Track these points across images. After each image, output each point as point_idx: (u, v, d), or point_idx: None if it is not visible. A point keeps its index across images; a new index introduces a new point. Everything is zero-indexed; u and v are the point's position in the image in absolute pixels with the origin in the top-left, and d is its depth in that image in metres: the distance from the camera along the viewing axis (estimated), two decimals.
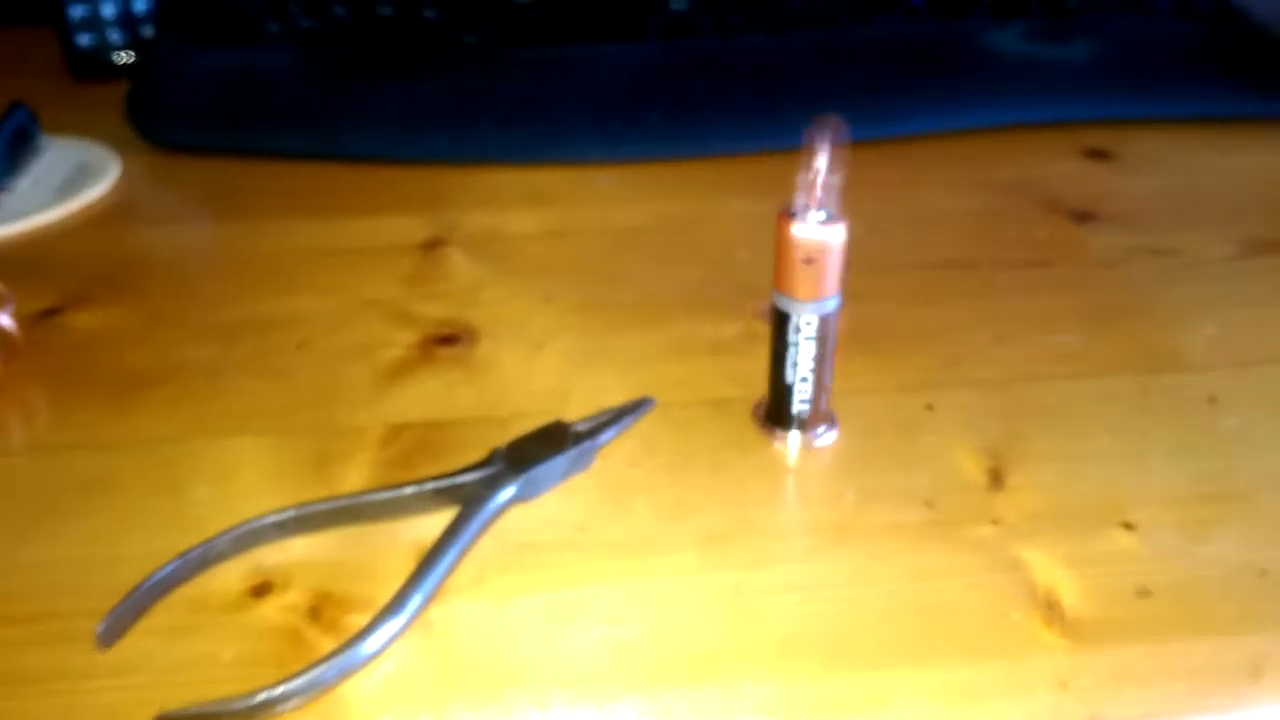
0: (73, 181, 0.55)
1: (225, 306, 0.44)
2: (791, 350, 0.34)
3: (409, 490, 0.33)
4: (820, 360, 0.34)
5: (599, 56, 0.62)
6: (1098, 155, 0.57)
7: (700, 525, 0.32)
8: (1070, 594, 0.30)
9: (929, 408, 0.37)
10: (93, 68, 0.67)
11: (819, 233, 0.32)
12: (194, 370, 0.40)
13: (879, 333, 0.42)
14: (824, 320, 0.33)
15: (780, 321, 0.34)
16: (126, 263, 0.48)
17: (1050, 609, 0.29)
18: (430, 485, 0.33)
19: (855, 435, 0.36)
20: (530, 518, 0.33)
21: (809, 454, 0.35)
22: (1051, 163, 0.56)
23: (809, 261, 0.32)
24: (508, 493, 0.32)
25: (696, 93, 0.59)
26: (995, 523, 0.32)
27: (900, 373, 0.39)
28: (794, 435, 0.35)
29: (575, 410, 0.37)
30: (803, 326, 0.33)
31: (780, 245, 0.32)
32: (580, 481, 0.34)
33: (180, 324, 0.43)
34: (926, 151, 0.58)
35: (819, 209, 0.32)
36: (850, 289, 0.42)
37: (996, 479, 0.34)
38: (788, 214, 0.32)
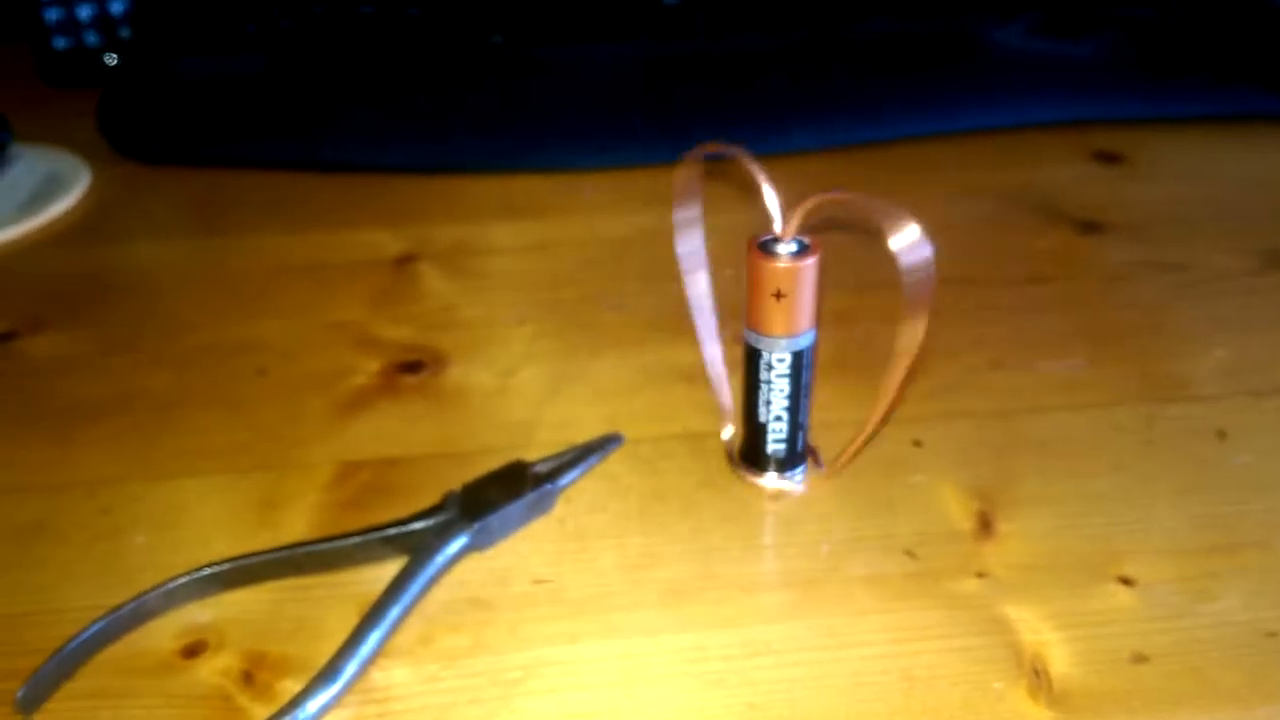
0: (41, 194, 0.53)
1: (186, 331, 0.43)
2: (763, 389, 0.32)
3: (354, 540, 0.31)
4: (795, 398, 0.32)
5: (585, 57, 0.60)
6: (1107, 158, 0.54)
7: (666, 578, 0.30)
8: (1059, 659, 0.28)
9: (917, 444, 0.35)
10: (68, 74, 0.65)
11: (790, 264, 0.29)
12: (147, 402, 0.38)
13: (865, 358, 0.39)
14: (797, 356, 0.31)
15: (751, 358, 0.31)
16: (88, 283, 0.46)
17: (1036, 676, 0.27)
18: (377, 534, 0.31)
19: (838, 475, 0.34)
20: (484, 569, 0.31)
21: (785, 497, 0.33)
22: (1057, 167, 0.53)
23: (779, 295, 0.30)
24: (459, 543, 0.30)
25: (683, 95, 0.57)
26: (981, 575, 0.30)
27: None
28: (769, 477, 0.33)
29: (541, 445, 0.35)
30: (775, 364, 0.31)
31: (749, 278, 0.30)
32: (540, 527, 0.32)
33: (138, 350, 0.42)
34: (922, 156, 0.55)
35: (790, 239, 0.30)
36: (834, 309, 0.39)
37: (985, 525, 0.32)
38: (757, 244, 0.30)
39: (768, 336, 0.31)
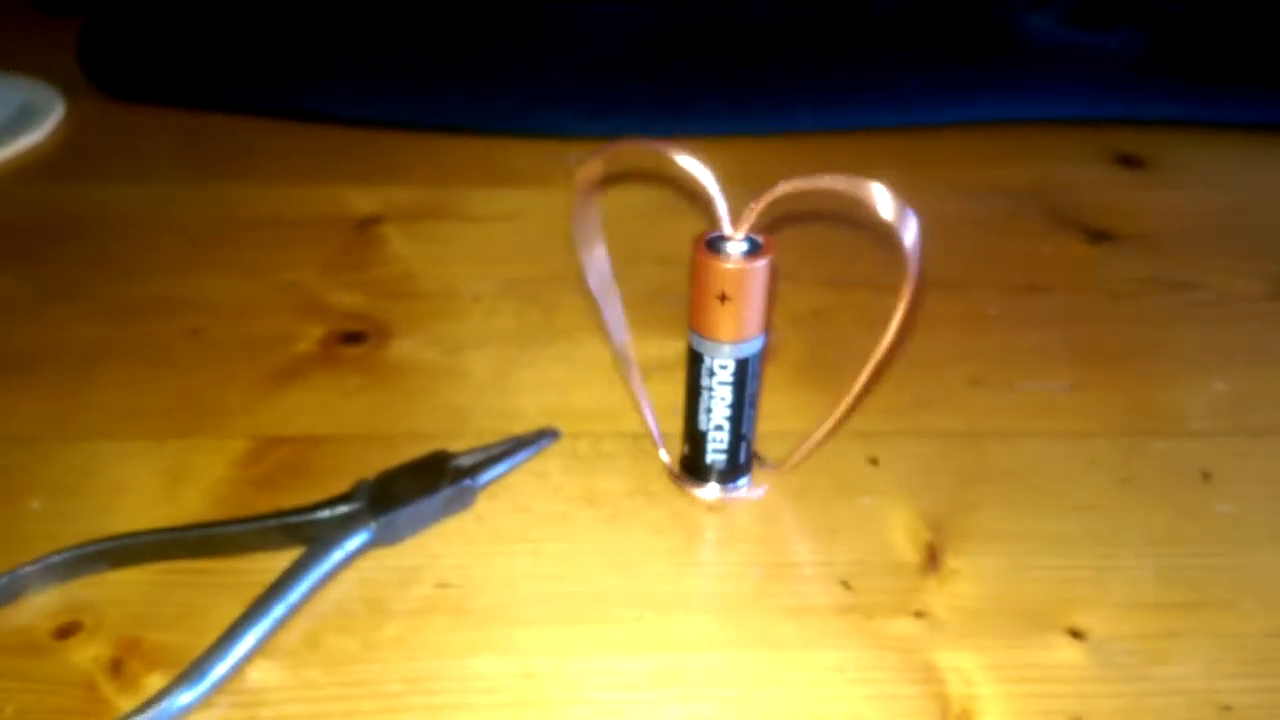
0: (10, 126, 0.52)
1: (130, 281, 0.41)
2: (704, 395, 0.29)
3: (250, 525, 0.29)
4: (737, 408, 0.29)
5: (588, 16, 0.57)
6: (1127, 162, 0.50)
7: (579, 592, 0.28)
8: (989, 715, 0.25)
9: (873, 461, 0.33)
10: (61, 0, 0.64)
11: (736, 264, 0.27)
12: (73, 355, 0.37)
13: (832, 362, 0.37)
14: (742, 365, 0.28)
15: (694, 362, 0.29)
16: (41, 223, 0.45)
17: None
18: (275, 521, 0.29)
19: (781, 490, 0.32)
20: (387, 567, 0.29)
21: (722, 511, 0.31)
22: (1073, 167, 0.50)
23: (723, 298, 0.27)
24: (359, 538, 0.28)
25: (686, 65, 0.54)
26: (919, 615, 0.28)
27: (850, 415, 0.34)
28: (708, 488, 0.31)
29: (475, 434, 0.33)
30: (717, 370, 0.29)
31: (694, 276, 0.28)
32: (455, 525, 0.30)
33: (77, 298, 0.40)
34: (931, 145, 0.52)
35: (742, 236, 0.27)
36: (811, 305, 0.37)
37: (932, 558, 0.29)
38: (704, 240, 0.28)
39: (710, 340, 0.28)
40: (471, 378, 0.36)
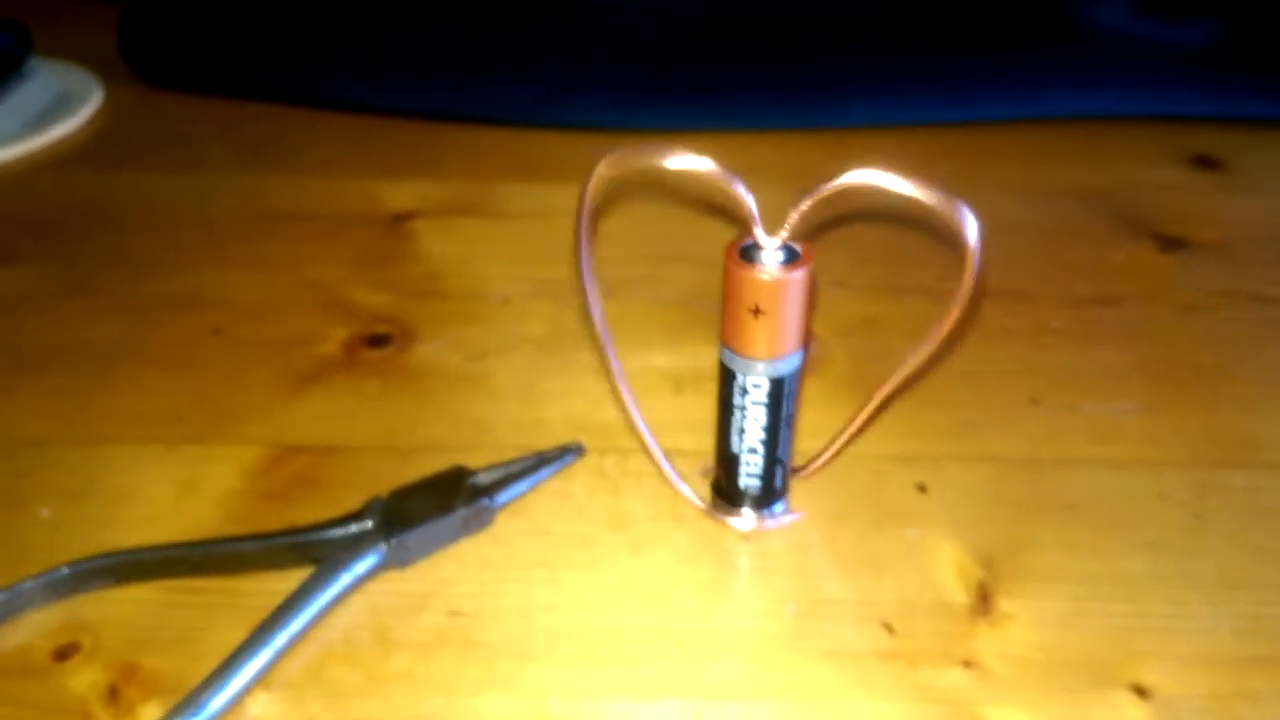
0: (49, 112, 0.51)
1: (153, 275, 0.40)
2: (737, 415, 0.27)
3: (258, 544, 0.27)
4: (772, 430, 0.27)
5: (633, 5, 0.55)
6: (1203, 163, 0.47)
7: (600, 626, 0.26)
8: None
9: (921, 489, 0.30)
10: None
11: (771, 276, 0.25)
12: (92, 353, 0.36)
13: (881, 377, 0.34)
14: (777, 384, 0.26)
15: (725, 380, 0.27)
16: (71, 213, 0.44)
17: None
18: (284, 540, 0.27)
19: (821, 518, 0.29)
20: (398, 591, 0.27)
21: (756, 540, 0.29)
22: (1145, 168, 0.47)
23: (757, 311, 0.25)
24: (369, 561, 0.27)
25: (735, 55, 0.51)
26: (968, 665, 0.25)
27: (898, 435, 0.32)
28: (743, 516, 0.29)
29: (496, 448, 0.31)
30: (750, 389, 0.26)
31: (725, 287, 0.26)
32: (471, 547, 0.28)
33: (98, 292, 0.39)
34: (993, 143, 0.49)
35: (779, 245, 0.25)
36: (861, 314, 0.35)
37: (984, 599, 0.27)
38: (737, 248, 0.25)
39: (743, 357, 0.26)
40: (496, 386, 0.34)
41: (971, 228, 0.23)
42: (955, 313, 0.25)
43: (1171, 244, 0.42)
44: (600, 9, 0.54)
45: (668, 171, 0.24)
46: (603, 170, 0.25)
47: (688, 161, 0.24)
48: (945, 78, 0.51)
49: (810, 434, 0.31)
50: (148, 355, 0.36)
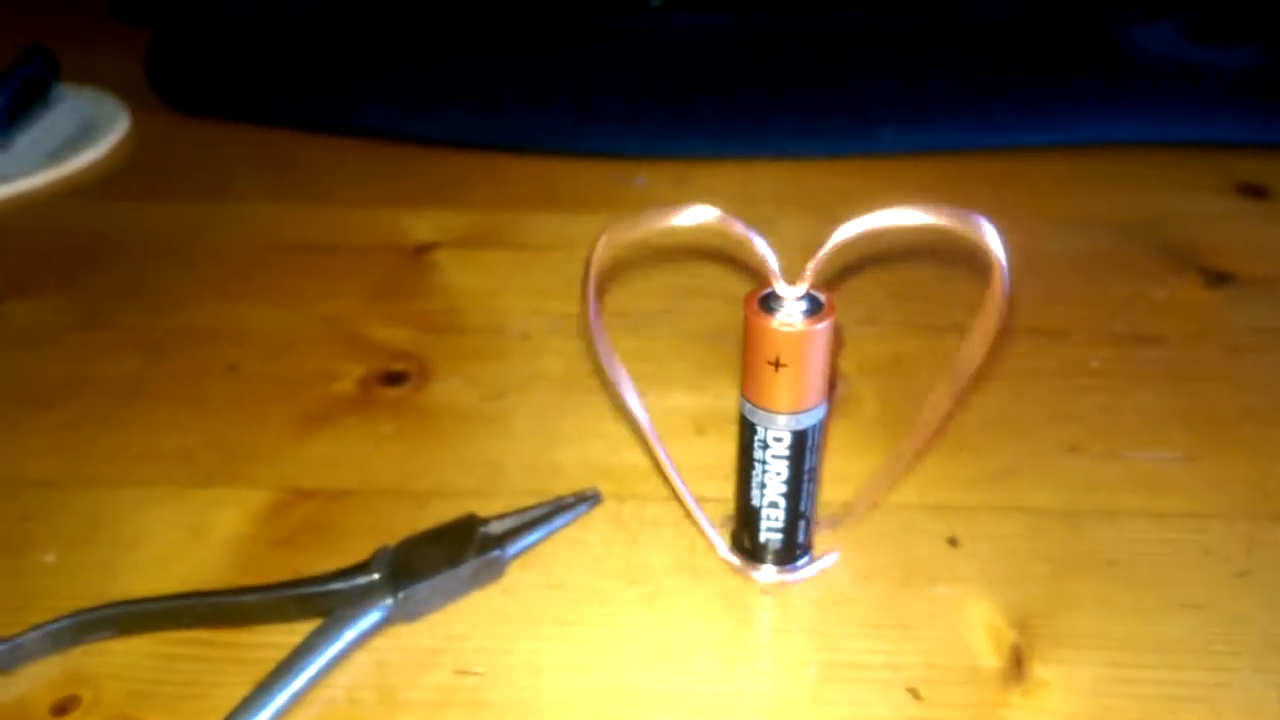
0: (75, 140, 0.51)
1: (169, 309, 0.39)
2: (758, 469, 0.26)
3: (262, 595, 0.27)
4: (794, 483, 0.26)
5: (655, 27, 0.54)
6: (1252, 192, 0.45)
7: (612, 687, 0.25)
8: None
9: (952, 542, 0.29)
10: (136, 9, 0.63)
11: (793, 329, 0.24)
12: (106, 389, 0.35)
13: (910, 419, 0.33)
14: (799, 437, 0.25)
15: (745, 432, 0.26)
16: (89, 244, 0.44)
17: None
18: (290, 591, 0.27)
19: (847, 573, 0.28)
20: (405, 647, 0.26)
21: (778, 595, 0.28)
22: (1190, 198, 0.45)
23: (778, 365, 0.24)
24: (374, 616, 0.26)
25: (761, 80, 0.50)
26: None
27: (927, 483, 0.31)
28: (764, 570, 0.28)
29: (511, 493, 0.30)
30: (771, 443, 0.25)
31: (745, 337, 0.25)
32: (482, 599, 0.27)
33: (114, 326, 0.38)
34: (1030, 170, 0.48)
35: (799, 295, 0.24)
36: (893, 352, 0.34)
37: (1017, 665, 0.26)
38: (757, 299, 0.24)
39: (764, 410, 0.25)
40: (512, 427, 0.33)
41: (994, 240, 0.22)
42: (983, 338, 0.23)
43: (1218, 279, 0.40)
44: (623, 35, 0.53)
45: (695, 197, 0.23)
46: (603, 246, 0.24)
47: (696, 216, 0.23)
48: (978, 102, 0.50)
49: (837, 481, 0.30)
50: (161, 392, 0.35)
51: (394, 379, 0.35)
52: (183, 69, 0.54)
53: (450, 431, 0.33)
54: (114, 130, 0.52)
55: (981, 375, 0.35)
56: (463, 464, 0.32)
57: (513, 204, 0.46)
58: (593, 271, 0.25)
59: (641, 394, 0.30)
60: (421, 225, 0.44)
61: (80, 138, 0.51)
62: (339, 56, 0.53)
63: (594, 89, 0.50)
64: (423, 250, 0.43)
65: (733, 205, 0.46)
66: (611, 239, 0.24)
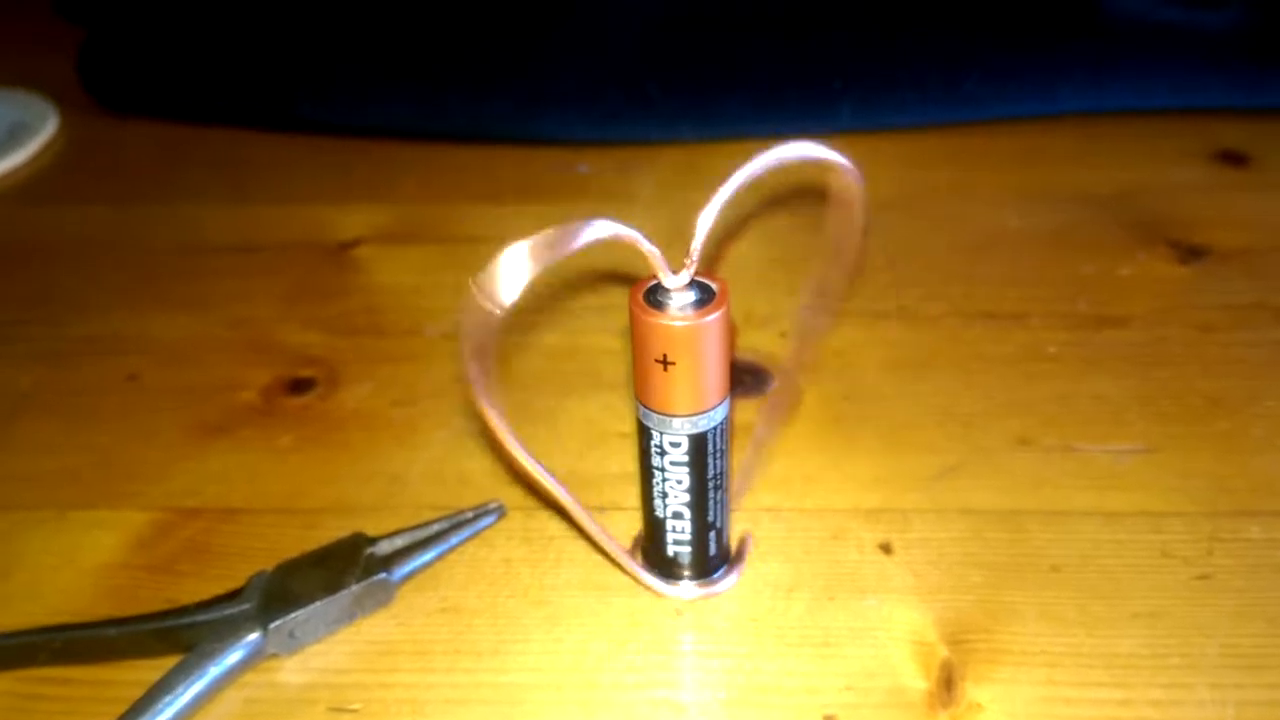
0: (2, 144, 0.49)
1: (76, 317, 0.37)
2: (658, 478, 0.24)
3: (120, 629, 0.24)
4: (698, 492, 0.24)
5: (606, 7, 0.51)
6: (1228, 160, 0.43)
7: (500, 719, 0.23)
8: None
9: (884, 549, 0.27)
10: (77, 6, 0.61)
11: (680, 323, 0.21)
12: (2, 406, 0.33)
13: (850, 415, 0.31)
14: (698, 441, 0.23)
15: (643, 439, 0.23)
16: (5, 253, 0.42)
17: None
18: (149, 625, 0.24)
19: (765, 586, 0.26)
20: (277, 683, 0.24)
21: (692, 614, 0.25)
22: (1164, 167, 0.43)
23: (666, 363, 0.22)
24: (240, 652, 0.24)
25: (712, 57, 0.48)
26: None
27: (863, 484, 0.28)
28: (679, 586, 0.25)
29: (411, 508, 0.28)
30: (669, 448, 0.23)
31: (632, 335, 0.22)
32: (368, 628, 0.25)
33: (13, 339, 0.36)
34: (998, 143, 0.45)
35: (685, 285, 0.22)
36: (832, 346, 0.32)
37: (947, 686, 0.23)
38: (641, 292, 0.22)
39: (658, 414, 0.23)
40: (420, 435, 0.31)
41: (827, 153, 0.20)
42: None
43: (1190, 253, 0.38)
44: (570, 15, 0.51)
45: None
46: (472, 324, 0.21)
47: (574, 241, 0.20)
48: (942, 76, 0.47)
49: (777, 486, 0.28)
50: (54, 407, 0.33)
51: (299, 386, 0.33)
52: (116, 66, 0.52)
53: (353, 441, 0.31)
54: (41, 133, 0.50)
55: (926, 364, 0.33)
56: (362, 477, 0.30)
57: (447, 195, 0.44)
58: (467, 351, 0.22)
59: (575, 395, 0.28)
60: (348, 221, 0.42)
61: (6, 140, 0.49)
62: (274, 51, 0.51)
63: (537, 72, 0.48)
64: (346, 247, 0.41)
65: (682, 193, 0.44)
66: (480, 318, 0.21)
